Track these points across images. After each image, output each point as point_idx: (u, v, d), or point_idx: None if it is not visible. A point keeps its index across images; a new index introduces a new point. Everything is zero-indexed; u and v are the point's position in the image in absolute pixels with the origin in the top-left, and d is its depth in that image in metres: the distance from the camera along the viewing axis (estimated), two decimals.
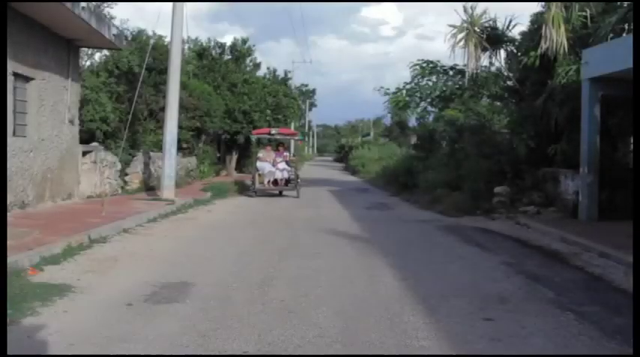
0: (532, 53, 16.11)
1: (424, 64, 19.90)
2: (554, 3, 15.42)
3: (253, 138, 22.94)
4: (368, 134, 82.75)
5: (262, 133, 22.57)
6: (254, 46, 35.96)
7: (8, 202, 11.68)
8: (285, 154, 22.23)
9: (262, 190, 20.72)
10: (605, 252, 9.53)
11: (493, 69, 19.21)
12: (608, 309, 6.47)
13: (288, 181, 21.14)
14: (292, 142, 24.73)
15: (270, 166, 20.98)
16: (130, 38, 24.61)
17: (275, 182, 21.00)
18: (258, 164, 20.88)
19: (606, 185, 13.86)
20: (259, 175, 20.69)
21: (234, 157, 32.48)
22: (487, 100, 21.55)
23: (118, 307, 6.18)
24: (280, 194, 21.36)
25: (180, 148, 22.11)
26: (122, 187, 19.05)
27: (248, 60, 36.13)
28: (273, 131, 21.93)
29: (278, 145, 22.85)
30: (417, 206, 18.32)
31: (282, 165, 21.18)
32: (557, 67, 15.36)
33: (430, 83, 19.89)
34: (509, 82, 18.98)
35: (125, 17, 75.39)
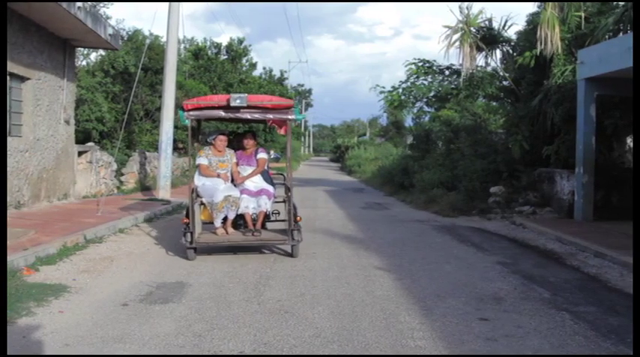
0: (528, 53, 16.15)
1: (419, 64, 19.95)
2: (550, 3, 15.45)
3: (186, 119, 9.02)
4: (364, 134, 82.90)
5: (208, 107, 9.10)
6: (250, 46, 36.07)
7: None
8: (261, 155, 9.69)
9: (212, 243, 9.11)
10: (600, 252, 9.55)
11: (489, 69, 19.25)
12: (603, 309, 6.48)
13: (267, 218, 9.80)
14: (288, 135, 9.69)
15: (226, 184, 9.28)
16: (125, 38, 24.64)
17: (239, 221, 9.55)
18: (199, 183, 9.25)
19: (602, 185, 13.90)
20: (203, 205, 9.29)
21: None
22: (483, 100, 21.59)
23: (113, 307, 6.18)
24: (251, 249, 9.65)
25: (176, 148, 22.12)
26: (118, 187, 19.02)
27: (244, 60, 36.14)
28: (237, 101, 8.76)
29: (244, 136, 9.91)
30: (413, 206, 18.33)
31: (253, 182, 9.47)
32: (553, 67, 15.40)
33: (426, 83, 19.92)
34: (505, 82, 19.00)
35: (121, 17, 75.46)
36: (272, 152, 11.05)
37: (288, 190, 9.21)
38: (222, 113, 8.96)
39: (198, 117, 9.23)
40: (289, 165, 9.50)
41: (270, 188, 9.44)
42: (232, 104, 8.67)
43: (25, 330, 5.36)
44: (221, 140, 9.40)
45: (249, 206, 9.21)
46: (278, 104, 9.05)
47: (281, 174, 10.77)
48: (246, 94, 8.81)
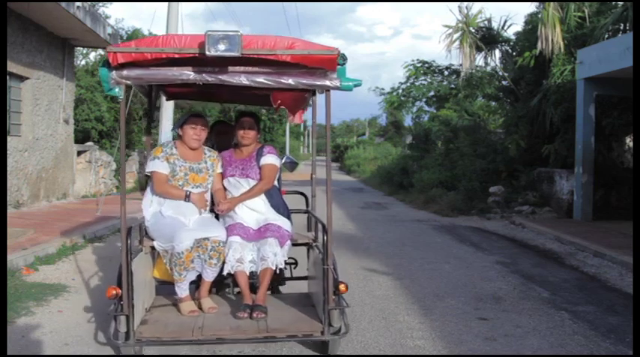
0: (527, 53, 16.17)
1: (418, 65, 20.01)
2: (551, 3, 15.47)
3: (115, 87, 4.12)
4: (363, 134, 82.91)
5: (161, 62, 4.17)
6: None
7: None
8: (268, 159, 5.00)
9: (170, 339, 4.36)
10: (599, 251, 9.56)
11: (488, 69, 19.30)
12: (602, 308, 6.49)
13: (281, 278, 5.72)
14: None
15: (202, 215, 4.87)
16: (125, 37, 24.61)
17: (226, 280, 5.21)
18: (149, 212, 5.03)
19: (601, 185, 13.91)
20: (155, 249, 4.85)
21: None
22: (482, 99, 21.64)
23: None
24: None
25: None
26: (117, 187, 19.02)
27: None
28: (220, 46, 3.93)
29: (237, 122, 5.08)
30: (412, 206, 18.32)
31: (253, 210, 4.94)
32: (552, 67, 15.42)
33: (425, 83, 19.98)
34: (504, 82, 19.04)
35: (120, 16, 75.53)
36: (286, 155, 6.35)
37: (323, 229, 4.46)
38: (189, 73, 4.19)
39: (139, 80, 4.28)
40: (327, 177, 4.62)
41: (284, 223, 4.85)
42: (210, 53, 3.95)
43: (25, 330, 5.35)
44: (194, 128, 4.86)
45: (244, 259, 4.64)
46: (307, 56, 4.15)
47: (301, 194, 6.21)
48: (239, 32, 4.00)
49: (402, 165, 25.14)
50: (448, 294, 6.95)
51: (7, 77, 12.14)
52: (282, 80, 4.25)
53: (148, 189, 5.03)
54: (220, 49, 3.96)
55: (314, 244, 5.07)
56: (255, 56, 4.12)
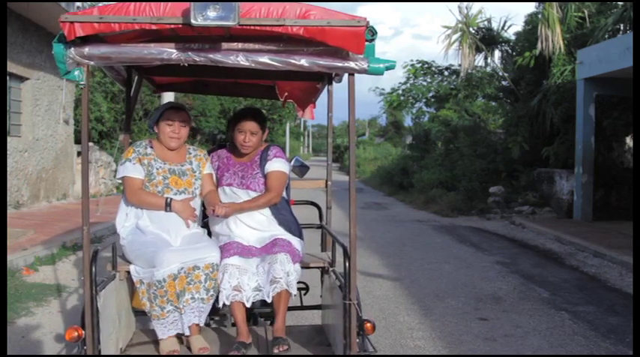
0: (527, 53, 16.18)
1: (418, 65, 20.02)
2: (551, 3, 15.47)
3: (73, 69, 3.08)
4: (363, 134, 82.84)
5: (134, 35, 3.17)
6: None
7: None
8: (275, 164, 3.90)
9: None
10: (599, 252, 9.56)
11: (488, 69, 19.32)
12: (602, 308, 6.49)
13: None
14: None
15: (191, 231, 3.74)
16: None
17: (222, 309, 3.87)
18: (124, 230, 3.98)
19: (601, 185, 13.92)
20: (128, 275, 3.84)
21: None
22: (482, 99, 21.66)
23: None
24: None
25: None
26: (117, 187, 19.02)
27: None
28: (210, 11, 2.90)
29: (236, 125, 3.86)
30: (412, 206, 18.32)
31: (253, 228, 3.82)
32: (553, 67, 15.43)
33: (425, 83, 20.00)
34: (504, 83, 19.05)
35: None
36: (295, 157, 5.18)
37: (345, 254, 3.35)
38: (171, 51, 3.18)
39: (107, 61, 3.20)
40: (351, 182, 3.38)
41: (294, 239, 3.82)
42: (198, 22, 2.94)
43: (25, 330, 5.36)
44: (171, 124, 3.80)
45: (242, 286, 3.54)
46: (326, 29, 3.05)
47: (313, 204, 5.26)
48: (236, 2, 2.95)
49: (402, 165, 25.14)
50: (448, 294, 6.95)
51: (7, 78, 12.14)
52: (293, 61, 3.27)
53: (122, 201, 3.92)
54: (211, 17, 2.97)
55: (330, 269, 4.01)
56: (258, 28, 3.10)
